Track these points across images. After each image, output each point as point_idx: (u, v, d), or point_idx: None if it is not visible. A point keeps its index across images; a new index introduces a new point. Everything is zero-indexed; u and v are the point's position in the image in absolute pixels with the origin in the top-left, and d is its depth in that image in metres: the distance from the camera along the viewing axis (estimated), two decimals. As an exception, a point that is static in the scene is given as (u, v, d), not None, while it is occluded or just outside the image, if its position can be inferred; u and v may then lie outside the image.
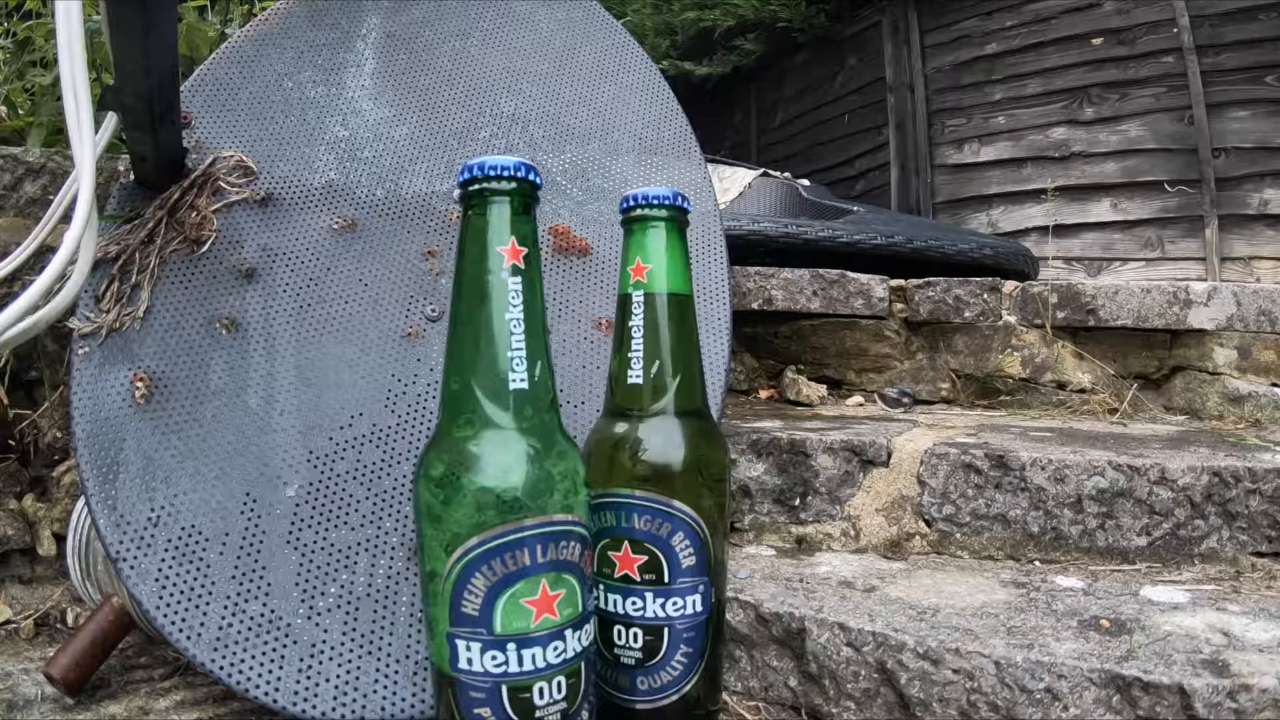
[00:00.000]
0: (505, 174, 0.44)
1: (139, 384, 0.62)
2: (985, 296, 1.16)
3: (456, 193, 0.46)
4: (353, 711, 0.54)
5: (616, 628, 0.52)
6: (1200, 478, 0.72)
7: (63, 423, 0.87)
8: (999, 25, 2.95)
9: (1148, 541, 0.73)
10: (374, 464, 0.64)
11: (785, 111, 3.80)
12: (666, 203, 0.52)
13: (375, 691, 0.55)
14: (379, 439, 0.65)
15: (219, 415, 0.63)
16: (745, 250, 1.41)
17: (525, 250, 0.45)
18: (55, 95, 1.06)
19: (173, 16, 0.60)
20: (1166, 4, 2.59)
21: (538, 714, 0.44)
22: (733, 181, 1.75)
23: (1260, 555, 0.72)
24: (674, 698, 0.52)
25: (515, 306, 0.44)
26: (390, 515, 0.62)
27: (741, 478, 0.81)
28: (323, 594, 0.58)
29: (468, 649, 0.43)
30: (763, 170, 1.82)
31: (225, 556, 0.58)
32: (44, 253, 0.66)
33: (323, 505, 0.61)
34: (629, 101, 0.92)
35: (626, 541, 0.51)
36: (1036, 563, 0.74)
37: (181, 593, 0.56)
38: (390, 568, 0.59)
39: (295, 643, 0.56)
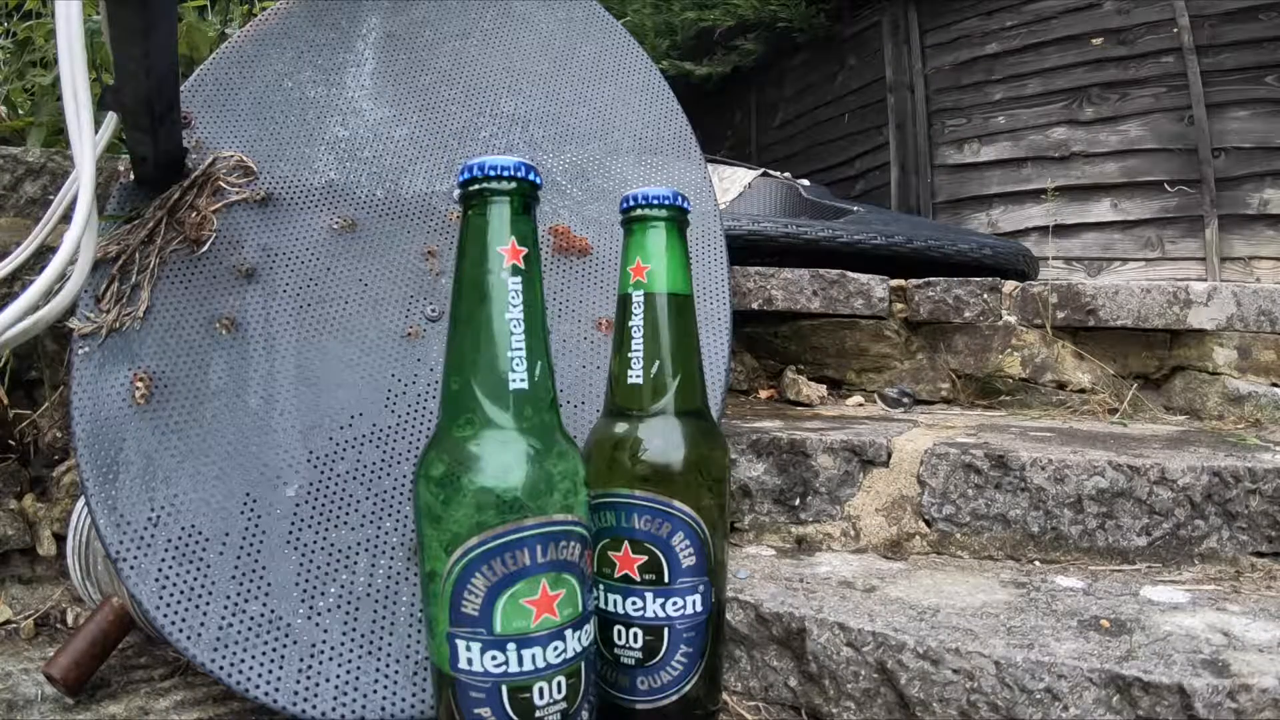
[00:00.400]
0: (505, 174, 0.44)
1: (139, 384, 0.62)
2: (985, 296, 1.16)
3: (456, 193, 0.46)
4: (353, 711, 0.54)
5: (616, 628, 0.52)
6: (1200, 478, 0.72)
7: (63, 423, 0.87)
8: (999, 25, 2.95)
9: (1148, 541, 0.73)
10: (374, 464, 0.64)
11: (785, 111, 3.80)
12: (666, 203, 0.52)
13: (375, 691, 0.55)
14: (379, 439, 0.65)
15: (219, 415, 0.63)
16: (745, 250, 1.41)
17: (525, 250, 0.45)
18: (55, 95, 1.06)
19: (173, 16, 0.60)
20: (1166, 4, 2.59)
21: (538, 714, 0.44)
22: (733, 181, 1.75)
23: (1260, 555, 0.72)
24: (674, 698, 0.52)
25: (515, 306, 0.44)
26: (390, 515, 0.62)
27: (741, 478, 0.81)
28: (323, 594, 0.58)
29: (468, 649, 0.43)
30: (763, 170, 1.82)
31: (225, 556, 0.58)
32: (44, 253, 0.66)
33: (323, 505, 0.61)
34: (629, 101, 0.92)
35: (626, 541, 0.51)
36: (1036, 563, 0.74)
37: (181, 593, 0.56)
38: (390, 568, 0.59)
39: (295, 643, 0.56)
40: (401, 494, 0.63)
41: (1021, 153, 2.89)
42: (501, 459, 0.43)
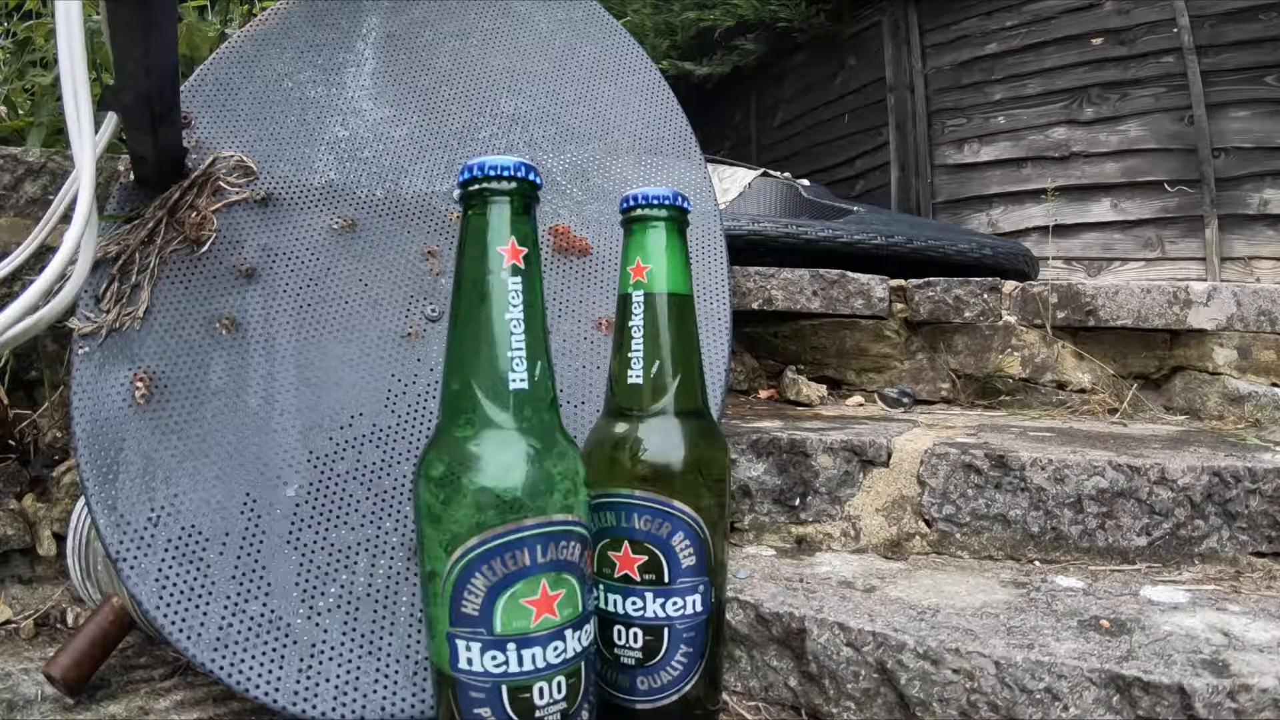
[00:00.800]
0: (505, 174, 0.44)
1: (139, 384, 0.62)
2: (985, 296, 1.16)
3: (456, 193, 0.46)
4: (353, 711, 0.54)
5: (616, 628, 0.52)
6: (1200, 478, 0.72)
7: (63, 423, 0.87)
8: (999, 25, 2.95)
9: (1148, 541, 0.73)
10: (374, 464, 0.64)
11: (785, 111, 3.80)
12: (666, 203, 0.52)
13: (375, 691, 0.55)
14: (379, 439, 0.65)
15: (219, 415, 0.63)
16: (745, 250, 1.41)
17: (525, 250, 0.45)
18: (55, 95, 1.06)
19: (173, 16, 0.60)
20: (1166, 4, 2.59)
21: (538, 714, 0.44)
22: (733, 181, 1.75)
23: (1260, 555, 0.72)
24: (674, 698, 0.52)
25: (515, 306, 0.44)
26: (390, 515, 0.62)
27: (741, 478, 0.81)
28: (323, 594, 0.58)
29: (468, 649, 0.43)
30: (763, 170, 1.82)
31: (225, 556, 0.58)
32: (44, 253, 0.65)
33: (323, 505, 0.61)
34: (629, 101, 0.92)
35: (626, 541, 0.51)
36: (1036, 563, 0.74)
37: (181, 593, 0.56)
38: (390, 568, 0.59)
39: (295, 643, 0.56)
40: (401, 494, 0.63)
41: (1021, 153, 2.89)
42: (501, 459, 0.43)
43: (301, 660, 0.55)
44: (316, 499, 0.61)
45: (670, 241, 0.52)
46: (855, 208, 1.67)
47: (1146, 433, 0.93)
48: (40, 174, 0.90)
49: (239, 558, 0.58)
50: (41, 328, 0.60)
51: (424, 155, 0.81)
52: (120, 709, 0.62)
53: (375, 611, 0.58)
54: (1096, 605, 0.62)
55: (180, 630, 0.55)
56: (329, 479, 0.62)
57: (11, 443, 0.85)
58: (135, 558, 0.56)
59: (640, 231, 0.53)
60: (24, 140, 1.04)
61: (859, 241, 1.40)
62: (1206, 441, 0.86)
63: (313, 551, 0.59)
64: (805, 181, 1.85)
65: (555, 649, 0.44)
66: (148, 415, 0.61)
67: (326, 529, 0.60)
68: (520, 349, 0.44)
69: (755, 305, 1.20)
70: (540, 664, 0.43)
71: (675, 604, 0.51)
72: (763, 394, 1.22)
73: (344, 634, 0.56)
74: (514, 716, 0.43)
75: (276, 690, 0.54)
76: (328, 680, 0.55)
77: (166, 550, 0.57)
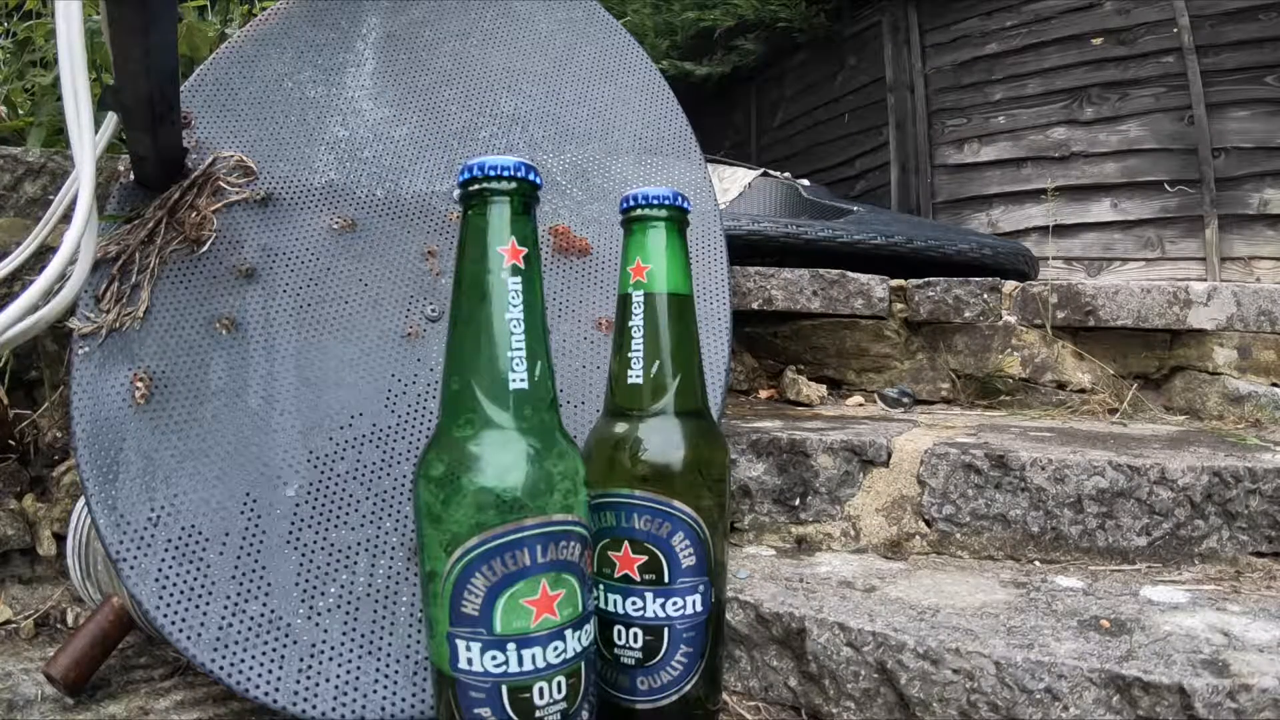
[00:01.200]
0: (505, 174, 0.44)
1: (139, 384, 0.62)
2: (985, 296, 1.16)
3: (456, 193, 0.46)
4: (353, 711, 0.54)
5: (616, 628, 0.52)
6: (1200, 478, 0.72)
7: (63, 423, 0.87)
8: (999, 25, 2.95)
9: (1148, 541, 0.73)
10: (374, 464, 0.64)
11: (785, 111, 3.80)
12: (666, 203, 0.52)
13: (375, 691, 0.55)
14: (379, 439, 0.65)
15: (219, 415, 0.63)
16: (745, 250, 1.41)
17: (525, 250, 0.45)
18: (55, 95, 1.05)
19: (173, 16, 0.60)
20: (1166, 4, 2.59)
21: (538, 714, 0.44)
22: (733, 181, 1.75)
23: (1260, 555, 0.72)
24: (674, 698, 0.52)
25: (515, 306, 0.44)
26: (390, 515, 0.62)
27: (741, 478, 0.81)
28: (323, 594, 0.58)
29: (468, 649, 0.43)
30: (763, 170, 1.82)
31: (225, 556, 0.58)
32: (44, 253, 0.66)
33: (323, 505, 0.61)
34: (629, 101, 0.92)
35: (626, 541, 0.51)
36: (1036, 563, 0.74)
37: (181, 593, 0.56)
38: (390, 568, 0.59)
39: (295, 643, 0.56)
40: (401, 494, 0.63)
41: (1021, 153, 2.89)
42: (501, 459, 0.43)
43: (301, 660, 0.55)
44: (316, 499, 0.61)
45: (670, 241, 0.53)
46: (855, 208, 1.67)
47: (1146, 433, 0.93)
48: (40, 174, 0.90)
49: (239, 558, 0.58)
50: (41, 328, 0.60)
51: (424, 155, 0.81)
52: (120, 709, 0.62)
53: (375, 611, 0.58)
54: (1096, 605, 0.62)
55: (180, 630, 0.55)
56: (329, 479, 0.62)
57: (11, 443, 0.86)
58: (135, 558, 0.56)
59: (640, 231, 0.53)
60: (24, 140, 1.04)
61: (859, 241, 1.40)
62: (1206, 441, 0.86)
63: (313, 551, 0.59)
64: (805, 181, 1.85)
65: (555, 649, 0.44)
66: (148, 415, 0.61)
67: (326, 529, 0.60)
68: (520, 349, 0.44)
69: (755, 305, 1.20)
70: (540, 664, 0.43)
71: (675, 604, 0.51)
72: (763, 394, 1.22)
73: (344, 634, 0.56)
74: (514, 716, 0.43)
75: (276, 690, 0.54)
76: (328, 680, 0.55)
77: (166, 550, 0.57)
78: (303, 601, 0.57)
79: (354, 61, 0.84)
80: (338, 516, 0.61)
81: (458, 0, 0.92)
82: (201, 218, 0.69)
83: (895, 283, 1.20)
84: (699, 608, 0.52)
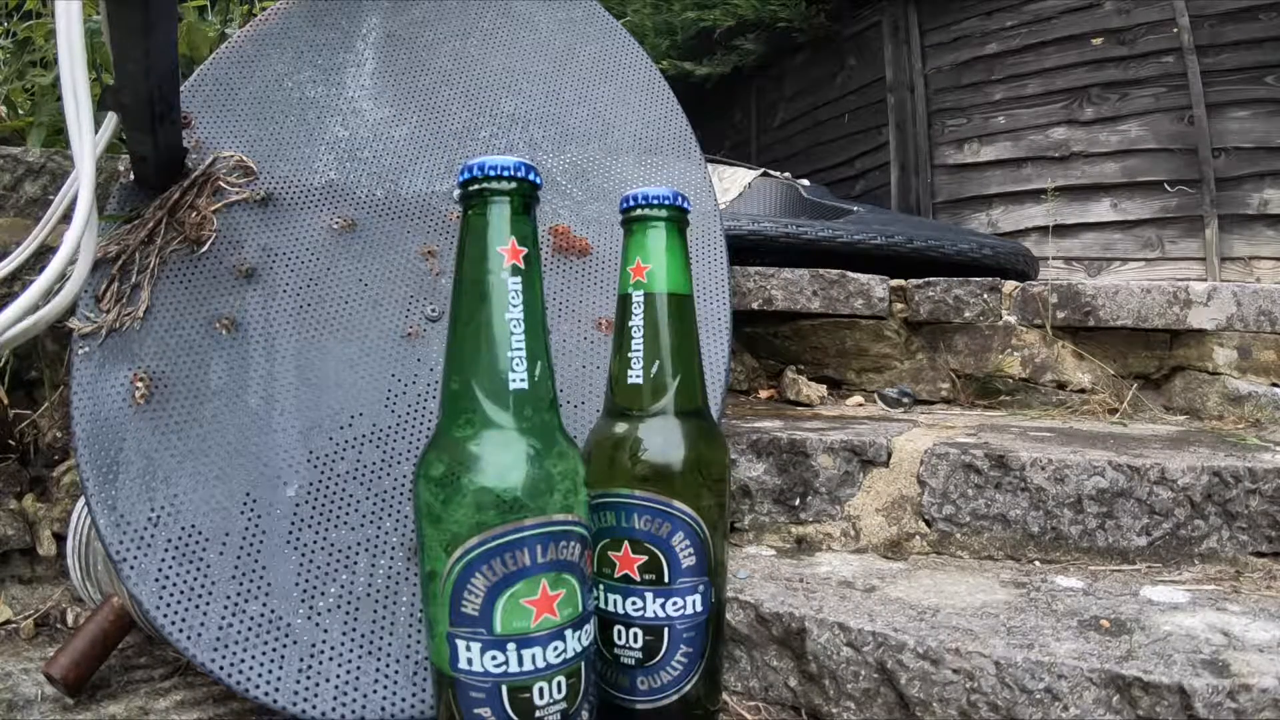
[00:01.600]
0: (505, 174, 0.44)
1: (139, 384, 0.62)
2: (985, 296, 1.16)
3: (456, 193, 0.46)
4: (353, 711, 0.54)
5: (616, 628, 0.52)
6: (1200, 478, 0.72)
7: (63, 423, 0.87)
8: (999, 25, 2.95)
9: (1148, 541, 0.73)
10: (374, 464, 0.64)
11: (785, 111, 3.80)
12: (666, 203, 0.52)
13: (375, 691, 0.55)
14: (379, 439, 0.65)
15: (219, 415, 0.63)
16: (745, 250, 1.41)
17: (525, 250, 0.45)
18: (55, 95, 1.06)
19: (173, 16, 0.60)
20: (1166, 4, 2.59)
21: (538, 714, 0.44)
22: (733, 181, 1.75)
23: (1260, 555, 0.72)
24: (674, 698, 0.52)
25: (515, 306, 0.44)
26: (390, 515, 0.62)
27: (741, 478, 0.81)
28: (323, 594, 0.58)
29: (468, 649, 0.43)
30: (763, 170, 1.82)
31: (225, 556, 0.58)
32: (44, 253, 0.66)
33: (323, 505, 0.61)
34: (629, 101, 0.92)
35: (626, 541, 0.51)
36: (1036, 563, 0.74)
37: (181, 593, 0.56)
38: (390, 568, 0.59)
39: (295, 643, 0.56)
40: (401, 494, 0.63)
41: (1021, 153, 2.89)
42: (501, 459, 0.43)
43: (301, 660, 0.55)
44: (316, 499, 0.61)
45: (670, 241, 0.53)
46: (855, 208, 1.67)
47: (1146, 433, 0.93)
48: (40, 174, 0.90)
49: (239, 558, 0.58)
50: (41, 328, 0.61)
51: (424, 155, 0.81)
52: (120, 709, 0.62)
53: (375, 611, 0.58)
54: (1096, 605, 0.62)
55: (180, 630, 0.55)
56: (329, 479, 0.62)
57: (11, 443, 0.86)
58: (135, 558, 0.56)
59: (640, 231, 0.53)
60: (24, 140, 1.04)
61: (859, 241, 1.40)
62: (1206, 441, 0.86)
63: (313, 551, 0.59)
64: (805, 181, 1.85)
65: (555, 649, 0.44)
66: (148, 415, 0.61)
67: (326, 529, 0.60)
68: (520, 349, 0.44)
69: (755, 305, 1.20)
70: (540, 664, 0.43)
71: (675, 604, 0.51)
72: (763, 394, 1.22)
73: (344, 634, 0.56)
74: (514, 716, 0.43)
75: (276, 690, 0.54)
76: (328, 680, 0.55)
77: (166, 550, 0.57)
78: (303, 601, 0.57)
79: (354, 61, 0.84)
80: (338, 516, 0.61)
81: (458, 0, 0.92)
82: (201, 218, 0.69)
83: (895, 283, 1.20)
84: (699, 608, 0.52)
